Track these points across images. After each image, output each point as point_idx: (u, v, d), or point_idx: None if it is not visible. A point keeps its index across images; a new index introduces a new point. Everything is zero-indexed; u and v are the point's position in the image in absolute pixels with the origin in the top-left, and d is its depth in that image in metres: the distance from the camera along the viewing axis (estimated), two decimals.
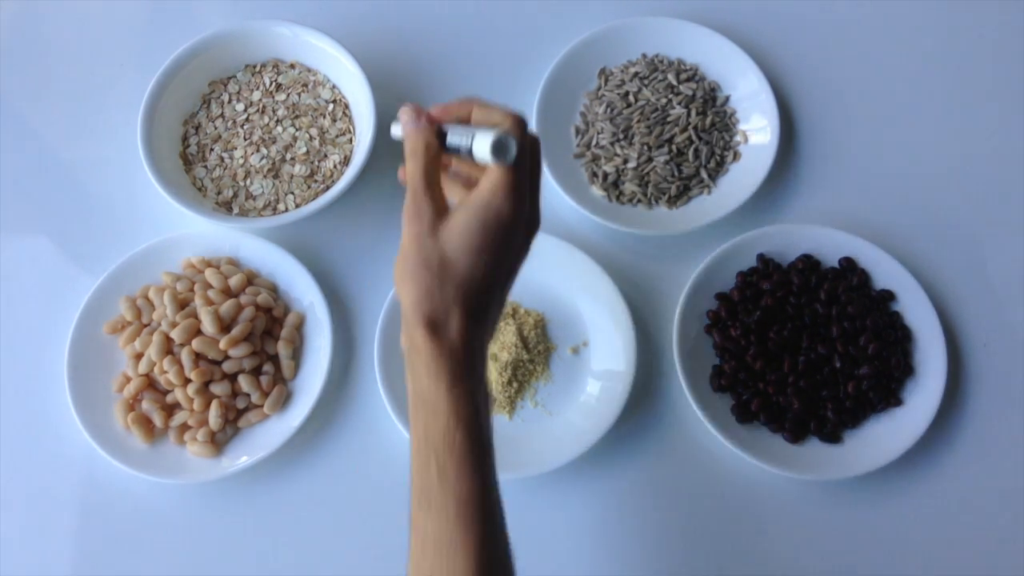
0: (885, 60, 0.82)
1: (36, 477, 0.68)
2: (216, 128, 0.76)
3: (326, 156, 0.75)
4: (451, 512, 0.47)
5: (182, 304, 0.68)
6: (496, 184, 0.47)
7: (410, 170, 0.49)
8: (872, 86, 0.80)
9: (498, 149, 0.45)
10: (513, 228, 0.48)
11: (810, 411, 0.66)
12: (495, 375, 0.68)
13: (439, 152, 0.49)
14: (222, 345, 0.66)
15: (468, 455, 0.47)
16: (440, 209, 0.48)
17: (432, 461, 0.47)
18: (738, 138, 0.76)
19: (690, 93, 0.76)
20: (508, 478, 0.65)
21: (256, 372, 0.68)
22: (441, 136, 0.49)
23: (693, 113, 0.76)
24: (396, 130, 0.51)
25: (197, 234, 0.72)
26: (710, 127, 0.76)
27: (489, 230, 0.47)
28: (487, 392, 0.50)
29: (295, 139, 0.75)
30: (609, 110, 0.76)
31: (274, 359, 0.69)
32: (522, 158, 0.47)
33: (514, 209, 0.48)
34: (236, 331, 0.66)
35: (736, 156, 0.76)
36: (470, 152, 0.47)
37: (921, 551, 0.65)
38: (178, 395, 0.66)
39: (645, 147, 0.75)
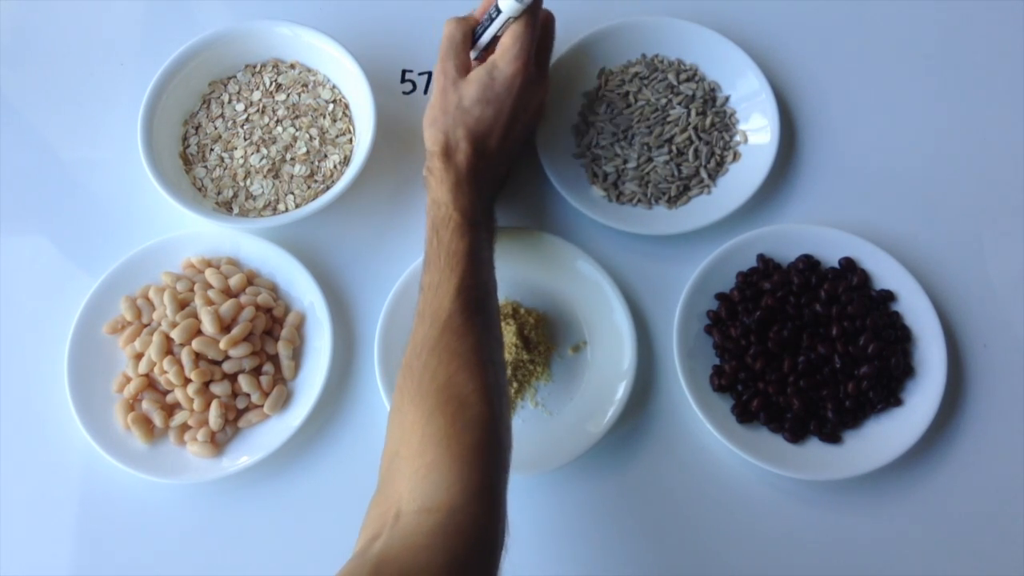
0: (885, 60, 0.82)
1: (36, 477, 0.68)
2: (216, 128, 0.76)
3: (326, 156, 0.75)
4: (442, 263, 0.58)
5: (182, 304, 0.68)
6: (505, 48, 0.62)
7: (442, 46, 0.65)
8: (872, 86, 0.80)
9: None
10: (517, 86, 0.63)
11: (810, 411, 0.66)
12: None
13: (467, 33, 0.65)
14: (222, 345, 0.66)
15: (460, 226, 0.59)
16: (462, 69, 0.64)
17: (434, 236, 0.60)
18: (738, 138, 0.76)
19: (690, 93, 0.76)
20: (508, 478, 0.65)
21: (256, 372, 0.68)
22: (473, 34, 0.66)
23: (693, 113, 0.76)
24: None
25: (197, 234, 0.72)
26: (710, 127, 0.76)
27: (495, 84, 0.63)
28: (491, 215, 0.65)
29: (295, 139, 0.75)
30: (609, 110, 0.76)
31: (274, 359, 0.69)
32: (535, 14, 0.62)
33: (518, 70, 0.62)
34: (236, 331, 0.66)
35: (736, 156, 0.76)
36: (492, 21, 0.63)
37: (921, 551, 0.65)
38: (178, 395, 0.66)
39: (645, 147, 0.75)
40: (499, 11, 0.62)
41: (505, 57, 0.62)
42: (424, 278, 0.59)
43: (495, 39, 0.65)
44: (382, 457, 0.54)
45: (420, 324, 0.57)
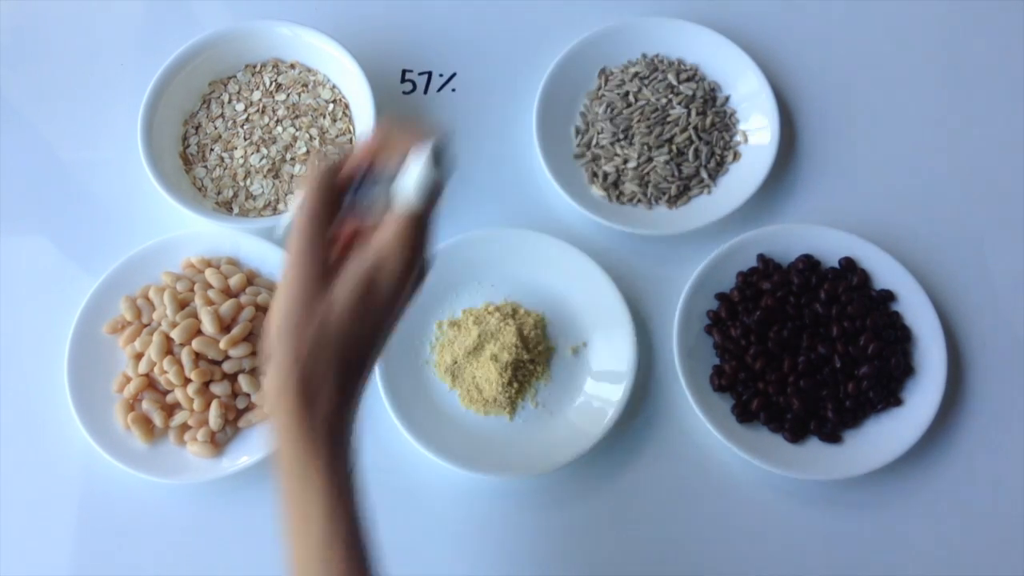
0: (885, 60, 0.82)
1: (36, 477, 0.67)
2: (216, 128, 0.76)
3: (326, 156, 0.75)
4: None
5: (182, 304, 0.68)
6: (392, 237, 0.43)
7: (299, 224, 0.44)
8: (872, 86, 0.80)
9: (437, 157, 0.42)
10: (407, 288, 0.45)
11: (810, 411, 0.66)
12: (495, 375, 0.68)
13: (332, 204, 0.45)
14: (222, 345, 0.66)
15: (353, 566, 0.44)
16: (328, 267, 0.44)
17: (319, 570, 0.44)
18: (738, 138, 0.76)
19: (690, 93, 0.76)
20: (508, 478, 0.66)
21: (256, 372, 0.68)
22: (339, 201, 0.45)
23: (693, 113, 0.76)
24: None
25: (197, 234, 0.72)
26: (710, 127, 0.76)
27: (378, 293, 0.43)
28: (355, 468, 0.45)
29: (295, 139, 0.75)
30: (609, 110, 0.76)
31: None
32: (433, 193, 0.43)
33: (408, 266, 0.44)
34: (236, 331, 0.66)
35: (736, 156, 0.76)
36: (386, 195, 0.44)
37: (921, 551, 0.65)
38: (178, 395, 0.66)
39: (645, 147, 0.75)
40: (388, 199, 0.44)
41: (395, 254, 0.43)
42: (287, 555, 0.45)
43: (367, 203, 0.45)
44: None
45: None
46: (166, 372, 0.65)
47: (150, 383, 0.67)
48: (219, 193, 0.74)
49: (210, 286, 0.69)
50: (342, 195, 0.45)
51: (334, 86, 0.77)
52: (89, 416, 0.66)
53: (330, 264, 0.44)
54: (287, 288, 0.43)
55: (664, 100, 0.76)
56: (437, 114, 0.79)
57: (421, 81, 0.81)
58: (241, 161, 0.75)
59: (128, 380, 0.67)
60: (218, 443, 0.66)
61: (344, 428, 0.44)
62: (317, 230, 0.44)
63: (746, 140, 0.76)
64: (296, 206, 0.44)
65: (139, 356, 0.67)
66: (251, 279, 0.70)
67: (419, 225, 0.44)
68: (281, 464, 0.44)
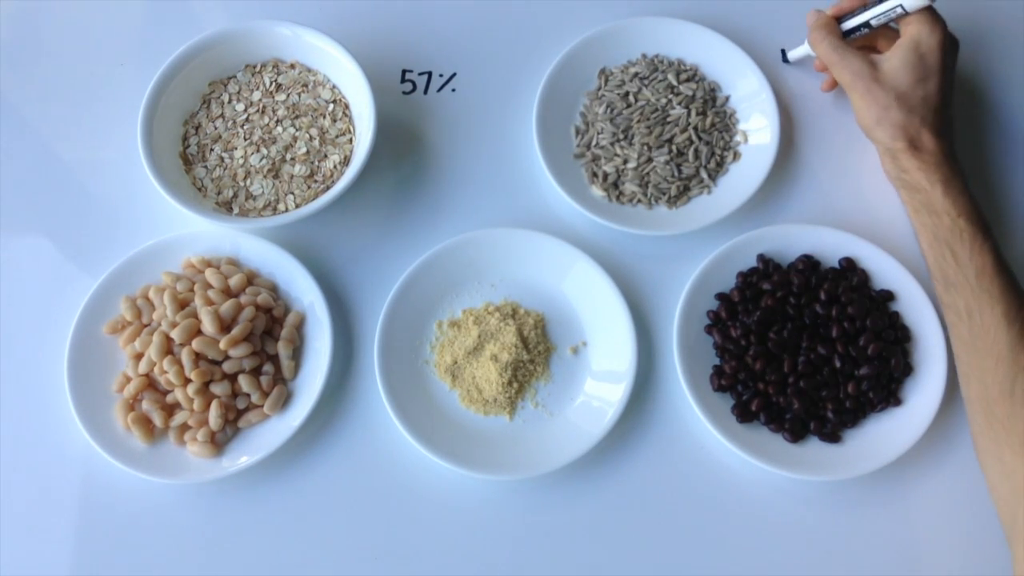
0: None
1: (36, 477, 0.68)
2: (216, 128, 0.76)
3: (326, 156, 0.75)
4: (972, 283, 0.57)
5: (182, 304, 0.68)
6: (921, 23, 0.62)
7: (823, 51, 0.66)
8: None
9: None
10: (943, 51, 0.63)
11: (810, 411, 0.66)
12: (495, 375, 0.68)
13: (838, 31, 0.67)
14: (222, 345, 0.66)
15: (975, 238, 0.58)
16: (871, 63, 0.63)
17: (947, 251, 0.59)
18: (738, 138, 0.76)
19: (690, 93, 0.76)
20: (508, 479, 0.66)
21: (256, 372, 0.68)
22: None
23: (693, 113, 0.76)
24: (793, 53, 0.73)
25: (197, 234, 0.72)
26: (710, 127, 0.76)
27: (927, 58, 0.62)
28: (966, 184, 0.63)
29: (295, 139, 0.75)
30: (609, 110, 0.76)
31: (274, 359, 0.69)
32: None
33: (941, 35, 0.62)
34: (236, 331, 0.66)
35: (736, 156, 0.76)
36: (867, 9, 0.66)
37: (921, 551, 0.65)
38: (178, 395, 0.66)
39: (645, 147, 0.75)
40: (902, 12, 0.63)
41: (924, 28, 0.62)
42: (946, 295, 0.58)
43: (866, 25, 0.67)
44: (1000, 516, 0.55)
45: (971, 354, 0.57)
46: (166, 372, 0.65)
47: (150, 383, 0.67)
48: (219, 193, 0.74)
49: (210, 286, 0.69)
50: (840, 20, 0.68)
51: (334, 86, 0.77)
52: (89, 416, 0.66)
53: (872, 62, 0.64)
54: (855, 95, 0.64)
55: (664, 100, 0.76)
56: (437, 114, 0.79)
57: (421, 81, 0.81)
58: (241, 161, 0.75)
59: (128, 380, 0.67)
60: (218, 443, 0.66)
61: (950, 161, 0.61)
62: (843, 44, 0.65)
63: (746, 140, 0.76)
64: (810, 46, 0.69)
65: (139, 356, 0.67)
66: (251, 279, 0.71)
67: (932, 12, 0.63)
68: (912, 204, 0.63)
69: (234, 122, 0.76)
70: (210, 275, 0.69)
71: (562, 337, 0.71)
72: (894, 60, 0.62)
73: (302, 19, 0.76)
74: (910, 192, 0.62)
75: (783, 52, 0.72)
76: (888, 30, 0.69)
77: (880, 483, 0.66)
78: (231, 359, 0.67)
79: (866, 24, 0.66)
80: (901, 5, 0.63)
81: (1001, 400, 0.54)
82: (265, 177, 0.74)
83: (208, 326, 0.66)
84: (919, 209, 0.61)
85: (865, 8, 0.67)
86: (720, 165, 0.76)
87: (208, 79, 0.77)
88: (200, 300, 0.67)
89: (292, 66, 0.78)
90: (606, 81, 0.78)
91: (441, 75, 0.81)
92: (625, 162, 0.75)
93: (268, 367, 0.68)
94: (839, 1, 0.69)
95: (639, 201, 0.75)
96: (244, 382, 0.67)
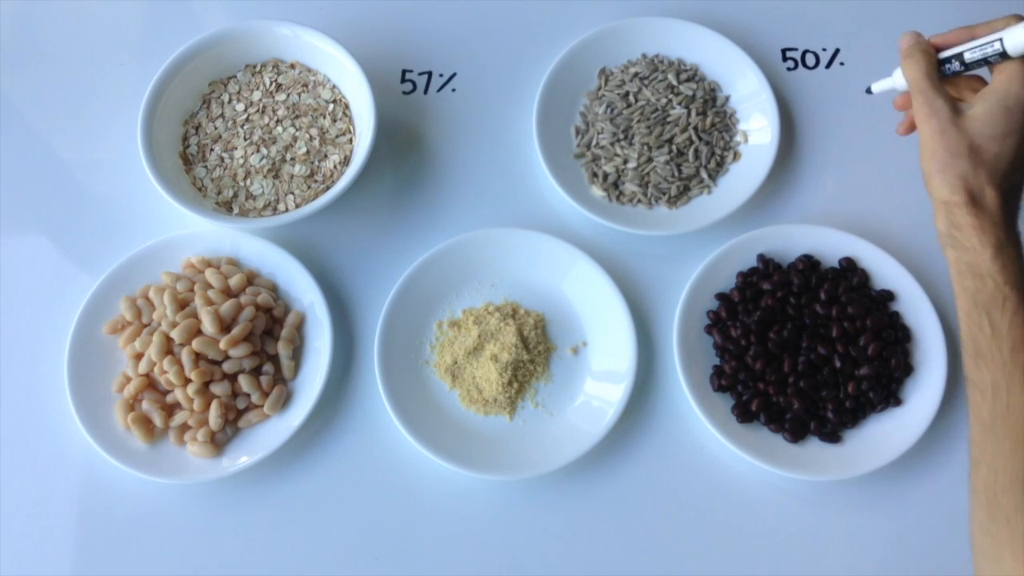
0: (885, 59, 0.82)
1: (36, 477, 0.68)
2: (216, 128, 0.76)
3: (326, 156, 0.75)
4: (1005, 358, 0.52)
5: (182, 304, 0.68)
6: (1014, 74, 0.54)
7: (914, 76, 0.57)
8: None
9: None
10: None
11: (810, 411, 0.66)
12: (495, 375, 0.68)
13: (936, 62, 0.58)
14: (222, 345, 0.66)
15: (1018, 310, 0.52)
16: (954, 105, 0.56)
17: (984, 320, 0.53)
18: (738, 138, 0.76)
19: (690, 93, 0.76)
20: (508, 479, 0.66)
21: (256, 372, 0.68)
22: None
23: (693, 113, 0.76)
24: (878, 85, 0.64)
25: (197, 234, 0.72)
26: (710, 127, 0.76)
27: (1013, 113, 0.54)
28: (1021, 253, 0.56)
29: (295, 139, 0.75)
30: (609, 110, 0.76)
31: (274, 359, 0.69)
32: None
33: None
34: (236, 331, 0.66)
35: (736, 156, 0.76)
36: (983, 60, 0.56)
37: (921, 551, 0.65)
38: (178, 395, 0.66)
39: (645, 147, 0.75)
40: (1000, 52, 0.56)
41: (1017, 82, 0.55)
42: (974, 370, 0.53)
43: (959, 60, 0.59)
44: None
45: (989, 436, 0.51)
46: (166, 372, 0.65)
47: (150, 383, 0.67)
48: (219, 193, 0.74)
49: (210, 286, 0.69)
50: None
51: (334, 86, 0.77)
52: (89, 416, 0.66)
53: (954, 104, 0.56)
54: (924, 135, 0.56)
55: (664, 100, 0.76)
56: (437, 114, 0.79)
57: (421, 81, 0.81)
58: (241, 161, 0.75)
59: (128, 380, 0.67)
60: (218, 443, 0.66)
61: (1010, 227, 0.55)
62: (935, 80, 0.57)
63: (746, 140, 0.76)
64: (902, 69, 0.59)
65: (139, 356, 0.67)
66: (251, 279, 0.71)
67: None
68: (957, 265, 0.56)
69: (234, 122, 0.76)
70: (210, 275, 0.69)
71: (562, 337, 0.71)
72: (977, 108, 0.55)
73: (302, 19, 0.76)
74: (958, 252, 0.55)
75: (868, 88, 0.64)
76: (976, 81, 0.61)
77: (880, 483, 0.66)
78: (231, 359, 0.67)
79: (959, 58, 0.58)
80: (1001, 41, 0.55)
81: (1011, 491, 0.49)
82: (265, 177, 0.74)
83: (208, 326, 0.66)
84: (963, 272, 0.55)
85: (968, 43, 0.59)
86: (720, 165, 0.76)
87: (208, 79, 0.77)
88: (200, 300, 0.67)
89: (292, 66, 0.78)
90: (606, 81, 0.78)
91: (441, 75, 0.81)
92: (625, 162, 0.75)
93: (268, 367, 0.68)
94: (943, 33, 0.61)
95: (639, 201, 0.75)
96: (244, 382, 0.67)
